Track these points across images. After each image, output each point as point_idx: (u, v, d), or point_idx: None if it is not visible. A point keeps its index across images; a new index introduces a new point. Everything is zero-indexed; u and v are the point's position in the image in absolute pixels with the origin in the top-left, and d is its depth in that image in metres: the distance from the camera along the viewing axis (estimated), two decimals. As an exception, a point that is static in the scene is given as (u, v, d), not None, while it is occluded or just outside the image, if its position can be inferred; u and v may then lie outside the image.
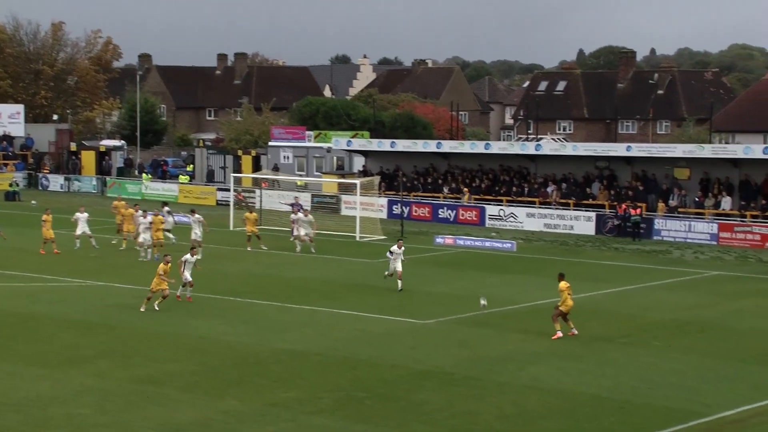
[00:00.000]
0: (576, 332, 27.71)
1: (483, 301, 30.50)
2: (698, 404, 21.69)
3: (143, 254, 40.90)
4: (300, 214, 45.25)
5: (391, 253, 35.01)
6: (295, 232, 44.36)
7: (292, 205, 50.78)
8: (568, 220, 53.43)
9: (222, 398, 21.71)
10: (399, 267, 34.60)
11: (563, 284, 28.01)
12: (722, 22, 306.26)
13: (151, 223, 41.10)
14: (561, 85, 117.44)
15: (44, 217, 42.84)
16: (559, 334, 27.46)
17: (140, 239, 41.06)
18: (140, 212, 42.55)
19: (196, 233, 42.05)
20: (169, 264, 31.29)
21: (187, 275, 32.14)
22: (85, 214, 44.06)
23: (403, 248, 35.14)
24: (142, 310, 30.63)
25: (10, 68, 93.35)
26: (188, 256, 32.43)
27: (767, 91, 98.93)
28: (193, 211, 44.40)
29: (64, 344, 26.48)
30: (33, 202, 62.59)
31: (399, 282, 34.47)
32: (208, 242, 44.88)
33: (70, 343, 26.70)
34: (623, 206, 51.52)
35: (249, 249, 43.95)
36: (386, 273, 35.15)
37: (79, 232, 43.45)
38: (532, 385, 23.05)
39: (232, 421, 20.20)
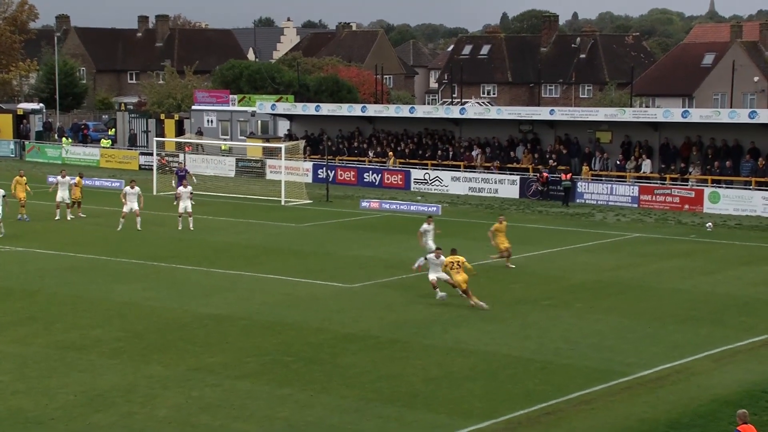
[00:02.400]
0: (473, 303, 26.77)
1: (441, 294, 27.60)
2: (619, 364, 22.08)
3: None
4: (181, 188, 41.33)
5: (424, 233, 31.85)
6: (180, 209, 40.13)
7: (177, 172, 48.49)
8: (492, 183, 53.83)
9: (146, 363, 21.52)
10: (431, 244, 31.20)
11: (446, 259, 27.07)
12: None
13: (4, 196, 38.09)
14: (485, 49, 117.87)
15: None
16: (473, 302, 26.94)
17: None
18: None
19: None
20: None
21: (431, 244, 31.17)
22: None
23: (432, 224, 32.19)
24: (511, 266, 31.38)
25: None
26: (426, 225, 31.60)
27: (686, 55, 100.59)
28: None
29: (-18, 311, 25.98)
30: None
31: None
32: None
33: (-11, 309, 26.21)
34: (545, 175, 52.01)
35: (71, 216, 42.42)
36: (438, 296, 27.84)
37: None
38: (456, 348, 23.24)
39: (156, 386, 20.04)
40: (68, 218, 42.04)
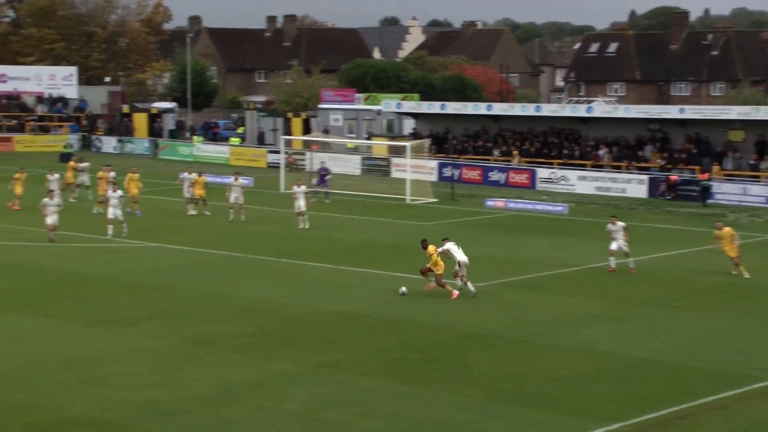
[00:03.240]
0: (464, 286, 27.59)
1: (403, 289, 28.38)
2: (753, 369, 21.44)
3: (110, 231, 37.00)
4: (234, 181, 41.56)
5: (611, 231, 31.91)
6: (296, 208, 40.20)
7: (319, 171, 49.20)
8: (620, 183, 52.92)
9: (274, 359, 21.84)
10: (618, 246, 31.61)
11: (431, 249, 27.73)
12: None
13: (121, 197, 38.34)
14: (613, 47, 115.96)
15: (100, 174, 43.87)
16: (456, 292, 27.56)
17: (110, 215, 37.02)
18: (112, 174, 42.77)
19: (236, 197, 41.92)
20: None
21: (613, 246, 31.54)
22: (57, 176, 43.80)
23: (619, 224, 31.96)
24: (746, 276, 30.62)
25: (63, 30, 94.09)
26: (610, 225, 31.86)
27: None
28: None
29: (118, 304, 26.78)
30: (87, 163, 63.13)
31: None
32: (257, 204, 45.18)
33: (124, 303, 26.99)
34: (672, 178, 50.81)
35: (194, 212, 42.93)
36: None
37: (232, 200, 43.15)
38: (583, 348, 22.92)
39: (284, 381, 20.32)
40: (191, 213, 42.97)
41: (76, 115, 79.28)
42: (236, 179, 42.01)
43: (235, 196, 41.44)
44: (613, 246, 31.80)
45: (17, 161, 65.39)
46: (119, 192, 38.18)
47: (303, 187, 40.89)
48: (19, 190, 43.97)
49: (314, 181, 48.89)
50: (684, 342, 23.56)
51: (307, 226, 39.81)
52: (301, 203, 39.99)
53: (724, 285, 30.28)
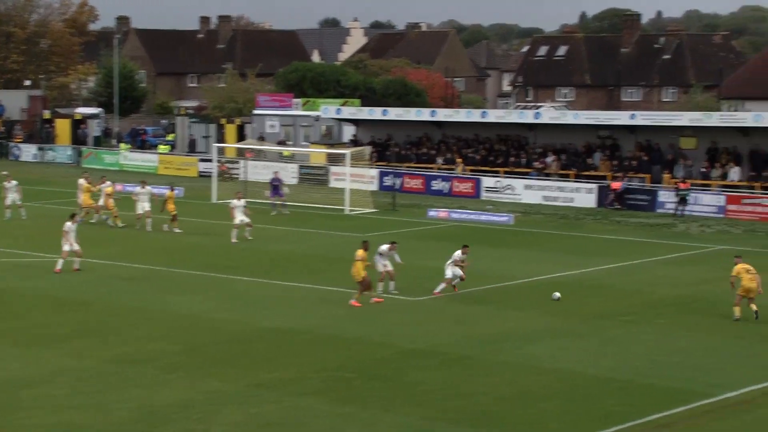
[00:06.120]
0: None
1: (557, 295, 29.46)
2: (703, 384, 21.78)
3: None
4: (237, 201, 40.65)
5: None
6: (237, 220, 39.82)
7: (272, 181, 49.10)
8: (568, 192, 53.43)
9: (204, 379, 21.73)
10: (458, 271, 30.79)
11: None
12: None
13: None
14: (562, 50, 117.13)
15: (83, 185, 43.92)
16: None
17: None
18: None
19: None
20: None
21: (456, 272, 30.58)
22: (14, 182, 44.14)
23: (465, 255, 31.03)
24: None
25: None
26: (235, 201, 31.48)
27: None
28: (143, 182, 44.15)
29: (36, 322, 26.47)
30: (4, 172, 62.30)
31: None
32: (188, 215, 44.88)
33: (43, 320, 26.68)
34: (615, 185, 51.02)
35: (166, 228, 42.14)
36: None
37: (9, 202, 43.76)
38: (530, 365, 23.11)
39: (214, 402, 20.22)
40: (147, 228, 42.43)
41: (-8, 120, 78.24)
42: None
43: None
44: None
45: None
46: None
47: (243, 201, 40.28)
48: None
49: (267, 193, 48.67)
50: (633, 357, 23.86)
51: (250, 238, 39.52)
52: (242, 216, 39.51)
53: (674, 298, 30.70)
